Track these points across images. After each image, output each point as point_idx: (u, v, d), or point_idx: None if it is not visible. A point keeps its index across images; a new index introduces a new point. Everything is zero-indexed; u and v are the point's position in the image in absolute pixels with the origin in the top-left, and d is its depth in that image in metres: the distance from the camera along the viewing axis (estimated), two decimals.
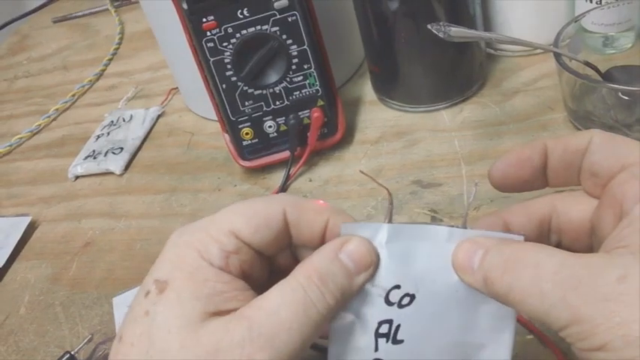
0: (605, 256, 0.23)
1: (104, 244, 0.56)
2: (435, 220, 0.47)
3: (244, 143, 0.55)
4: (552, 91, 0.55)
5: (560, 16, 0.57)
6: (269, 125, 0.54)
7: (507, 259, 0.24)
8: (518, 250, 0.24)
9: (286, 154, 0.55)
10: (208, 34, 0.50)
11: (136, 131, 0.68)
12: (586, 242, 0.29)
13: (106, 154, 0.65)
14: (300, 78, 0.53)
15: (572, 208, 0.29)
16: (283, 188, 0.55)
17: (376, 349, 0.27)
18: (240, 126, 0.54)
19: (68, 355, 0.44)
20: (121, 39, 0.92)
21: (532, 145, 0.29)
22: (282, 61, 0.52)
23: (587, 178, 0.28)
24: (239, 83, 0.52)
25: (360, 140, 0.58)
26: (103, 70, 0.85)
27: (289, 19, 0.50)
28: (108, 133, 0.69)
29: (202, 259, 0.27)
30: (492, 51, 0.62)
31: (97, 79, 0.84)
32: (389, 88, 0.60)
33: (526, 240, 0.25)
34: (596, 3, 0.53)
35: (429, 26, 0.47)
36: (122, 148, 0.66)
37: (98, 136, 0.69)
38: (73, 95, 0.80)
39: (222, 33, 0.50)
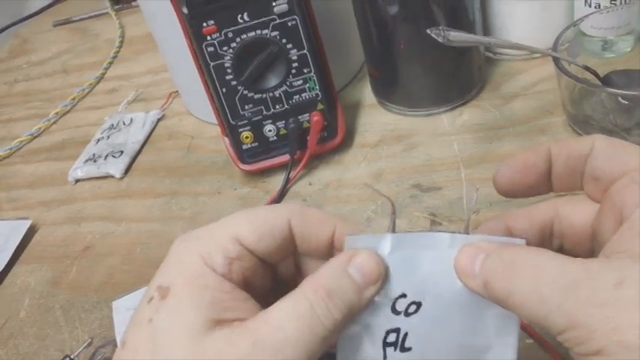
0: (603, 261, 0.23)
1: (104, 247, 0.56)
2: (434, 223, 0.47)
3: (244, 147, 0.55)
4: (551, 95, 0.55)
5: (559, 20, 0.57)
6: (269, 129, 0.54)
7: (507, 264, 0.24)
8: (517, 255, 0.24)
9: (286, 157, 0.55)
10: (208, 38, 0.50)
11: (136, 135, 0.68)
12: (588, 247, 0.29)
13: (106, 158, 0.65)
14: (300, 82, 0.53)
15: (574, 213, 0.29)
16: (283, 192, 0.55)
17: (384, 358, 0.27)
18: (240, 129, 0.54)
19: (68, 359, 0.45)
20: (122, 42, 0.92)
21: (536, 151, 0.29)
22: (281, 65, 0.52)
23: (589, 182, 0.28)
24: (239, 87, 0.52)
25: (359, 144, 0.58)
26: (104, 74, 0.85)
27: (289, 24, 0.50)
28: (108, 137, 0.69)
29: (205, 265, 0.27)
30: (491, 55, 0.62)
31: (98, 83, 0.84)
32: (389, 91, 0.60)
33: (528, 244, 0.25)
34: (595, 7, 0.53)
35: (428, 31, 0.47)
36: (122, 152, 0.66)
37: (98, 140, 0.69)
38: (73, 99, 0.81)
39: (223, 37, 0.50)
